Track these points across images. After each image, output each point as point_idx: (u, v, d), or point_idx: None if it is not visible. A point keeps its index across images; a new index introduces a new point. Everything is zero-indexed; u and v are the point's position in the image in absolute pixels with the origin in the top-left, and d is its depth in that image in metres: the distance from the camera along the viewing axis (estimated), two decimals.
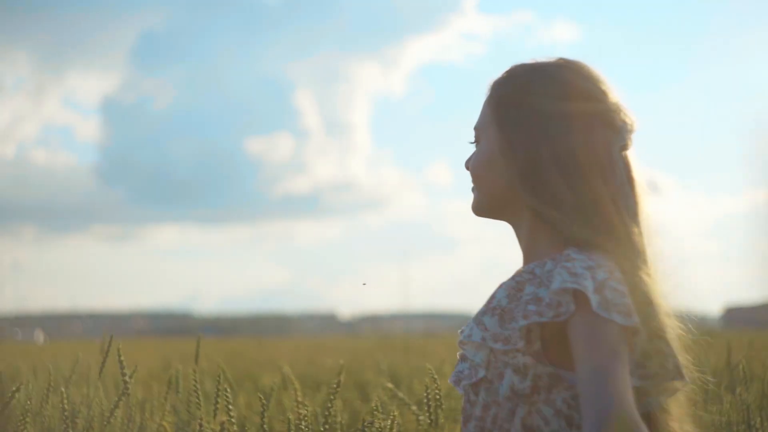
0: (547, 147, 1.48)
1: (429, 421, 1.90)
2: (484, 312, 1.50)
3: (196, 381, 1.96)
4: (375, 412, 1.85)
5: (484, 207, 1.59)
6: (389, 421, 1.79)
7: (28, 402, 1.85)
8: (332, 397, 1.78)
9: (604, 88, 1.52)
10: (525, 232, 1.55)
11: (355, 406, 3.43)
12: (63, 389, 1.77)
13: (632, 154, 1.53)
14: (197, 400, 1.98)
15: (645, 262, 1.46)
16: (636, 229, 1.47)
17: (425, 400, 1.93)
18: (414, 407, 2.11)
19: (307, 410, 1.79)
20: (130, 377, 1.82)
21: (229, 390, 1.79)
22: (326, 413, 1.76)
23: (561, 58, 1.56)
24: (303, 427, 1.77)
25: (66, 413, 1.78)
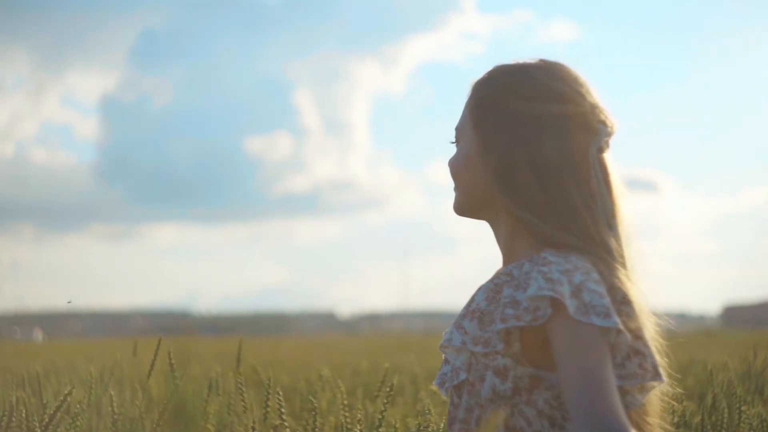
0: (521, 149, 1.49)
1: None
2: (463, 315, 1.51)
3: (241, 384, 1.95)
4: (426, 415, 1.85)
5: (463, 207, 1.61)
6: (442, 424, 1.78)
7: (77, 406, 1.83)
8: (386, 401, 1.77)
9: (581, 90, 1.53)
10: (503, 233, 1.56)
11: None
12: (111, 392, 1.75)
13: (609, 156, 1.53)
14: (243, 404, 1.96)
15: (623, 263, 1.47)
16: (611, 231, 1.48)
17: None
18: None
19: (361, 414, 1.77)
20: (180, 379, 1.80)
21: (280, 393, 1.77)
22: (380, 417, 1.75)
23: (541, 60, 1.57)
24: None
25: (116, 416, 1.77)
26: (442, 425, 1.83)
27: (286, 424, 1.73)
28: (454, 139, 1.62)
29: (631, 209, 1.53)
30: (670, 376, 1.47)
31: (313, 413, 1.79)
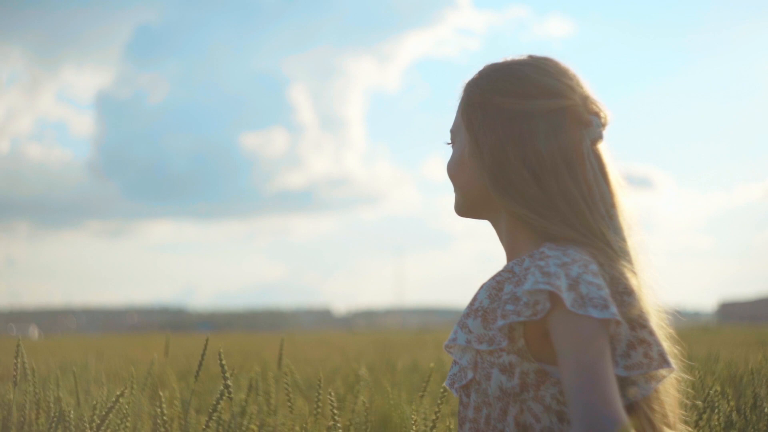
0: (514, 146, 1.49)
1: None
2: (467, 314, 1.51)
3: (288, 385, 1.92)
4: None
5: (463, 208, 1.61)
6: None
7: (126, 406, 1.81)
8: (440, 401, 1.75)
9: (571, 83, 1.52)
10: (504, 231, 1.56)
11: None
12: (161, 393, 1.73)
13: (605, 148, 1.53)
14: (290, 404, 1.94)
15: (624, 254, 1.47)
16: (611, 222, 1.48)
17: None
18: None
19: (416, 416, 1.74)
20: (229, 380, 1.78)
21: (333, 394, 1.74)
22: (435, 417, 1.73)
23: (530, 56, 1.57)
24: None
25: (165, 417, 1.74)
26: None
27: (339, 425, 1.71)
28: (449, 141, 1.63)
29: (629, 201, 1.52)
30: (689, 368, 1.46)
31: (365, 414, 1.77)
